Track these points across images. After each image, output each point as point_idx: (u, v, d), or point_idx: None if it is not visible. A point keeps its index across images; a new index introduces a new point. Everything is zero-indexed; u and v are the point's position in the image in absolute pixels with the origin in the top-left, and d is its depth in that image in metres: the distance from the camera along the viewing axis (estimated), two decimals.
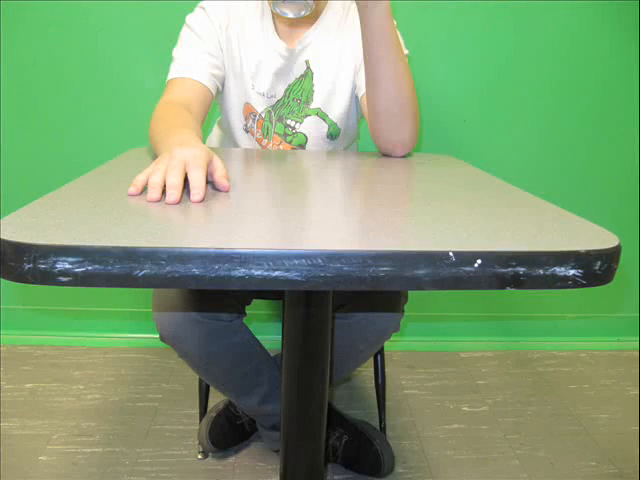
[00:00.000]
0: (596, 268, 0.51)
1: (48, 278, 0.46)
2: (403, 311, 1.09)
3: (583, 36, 1.68)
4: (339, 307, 1.09)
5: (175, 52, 1.10)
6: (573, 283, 0.51)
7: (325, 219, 0.58)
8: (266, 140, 1.19)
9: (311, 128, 1.17)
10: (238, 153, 1.08)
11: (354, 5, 1.16)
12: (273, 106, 1.16)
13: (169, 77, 1.08)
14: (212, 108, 1.18)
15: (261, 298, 1.29)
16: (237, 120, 1.19)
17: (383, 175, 0.87)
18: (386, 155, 1.07)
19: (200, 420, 1.36)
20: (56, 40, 1.60)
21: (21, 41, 1.60)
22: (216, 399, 1.50)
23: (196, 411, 1.44)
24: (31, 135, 1.69)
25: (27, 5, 1.56)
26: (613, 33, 1.68)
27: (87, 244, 0.46)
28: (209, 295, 1.05)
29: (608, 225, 0.58)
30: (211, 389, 1.35)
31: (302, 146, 1.19)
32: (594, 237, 0.54)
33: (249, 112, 1.18)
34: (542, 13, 1.65)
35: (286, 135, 1.18)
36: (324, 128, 1.17)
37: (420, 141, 1.74)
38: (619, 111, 1.76)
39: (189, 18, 1.11)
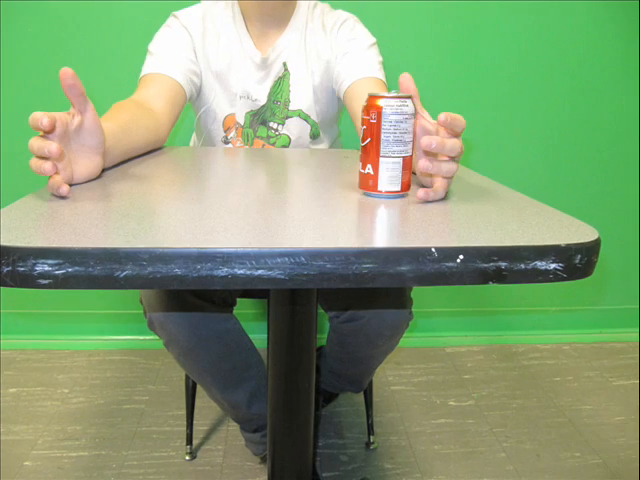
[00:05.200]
0: (576, 261, 0.51)
1: (28, 281, 0.45)
2: (411, 312, 1.09)
3: (571, 33, 1.70)
4: (344, 309, 1.09)
5: (152, 47, 1.09)
6: (554, 277, 0.51)
7: (307, 217, 0.58)
8: (247, 147, 1.18)
9: (294, 129, 1.17)
10: (219, 152, 1.08)
11: (319, 5, 1.18)
12: (257, 110, 1.16)
13: (145, 71, 1.07)
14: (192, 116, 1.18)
15: (246, 297, 1.29)
16: (217, 132, 1.19)
17: None
18: None
19: (187, 421, 1.35)
20: (36, 39, 1.58)
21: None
22: (203, 400, 1.49)
23: (183, 412, 1.43)
24: (13, 136, 1.66)
25: (23, 5, 1.54)
26: (607, 29, 1.70)
27: (67, 246, 0.45)
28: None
29: (587, 219, 0.59)
30: (197, 391, 1.35)
31: (285, 147, 1.19)
32: (574, 231, 0.55)
33: (232, 123, 1.17)
34: (535, 11, 1.67)
35: (269, 137, 1.18)
36: (307, 129, 1.18)
37: None
38: (600, 107, 1.78)
39: (170, 20, 1.11)
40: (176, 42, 1.09)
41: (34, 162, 0.62)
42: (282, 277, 0.47)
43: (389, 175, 0.66)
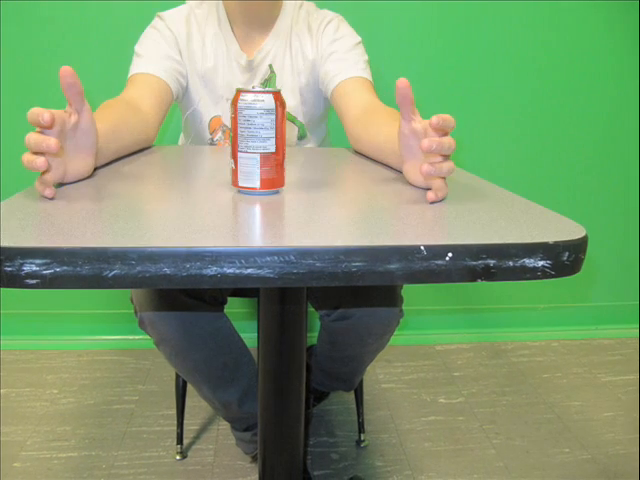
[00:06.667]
0: (564, 259, 0.52)
1: (15, 281, 0.45)
2: (401, 310, 1.10)
3: (563, 29, 1.71)
4: (335, 307, 1.09)
5: (138, 48, 1.09)
6: (542, 274, 0.52)
7: (297, 215, 0.58)
8: None
9: None
10: (207, 151, 1.08)
11: (304, 5, 1.17)
12: None
13: (132, 72, 1.07)
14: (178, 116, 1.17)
15: (236, 296, 1.29)
16: (203, 134, 1.19)
17: (355, 171, 0.88)
18: (360, 152, 1.07)
19: (178, 421, 1.35)
20: (26, 38, 1.57)
21: None
22: (194, 400, 1.49)
23: (173, 412, 1.43)
24: (7, 135, 1.65)
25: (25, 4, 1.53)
26: (601, 27, 1.72)
27: (55, 245, 0.45)
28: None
29: (575, 216, 0.59)
30: (188, 390, 1.34)
31: None
32: (562, 228, 0.55)
33: (218, 125, 1.17)
34: (529, 8, 1.67)
35: None
36: (294, 131, 1.17)
37: None
38: (589, 105, 1.79)
39: (155, 21, 1.11)
40: (162, 43, 1.09)
41: (27, 157, 0.61)
42: (271, 276, 0.47)
43: (245, 171, 0.66)
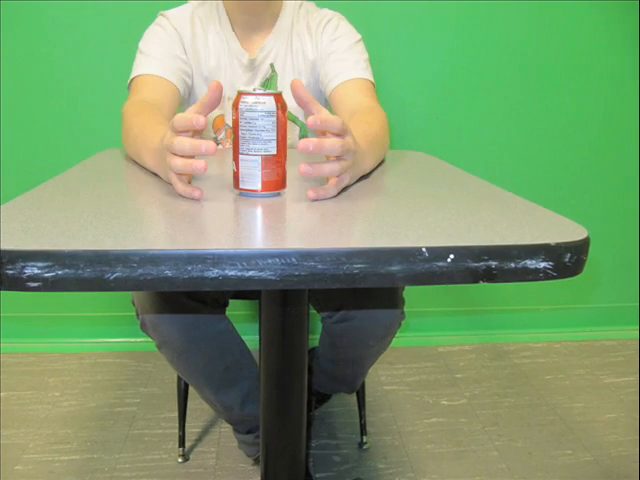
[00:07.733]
0: (566, 260, 0.52)
1: (17, 284, 0.45)
2: (403, 312, 1.09)
3: (563, 29, 1.71)
4: (337, 310, 1.09)
5: (144, 46, 1.08)
6: (544, 275, 0.52)
7: (298, 218, 0.58)
8: None
9: None
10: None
11: (304, 4, 1.17)
12: None
13: (141, 71, 1.05)
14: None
15: (238, 298, 1.29)
16: (207, 133, 1.18)
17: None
18: None
19: (179, 423, 1.35)
20: (18, 39, 1.57)
21: None
22: (196, 402, 1.49)
23: (175, 414, 1.43)
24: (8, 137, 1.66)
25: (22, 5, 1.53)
26: (602, 28, 1.72)
27: (56, 248, 0.45)
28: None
29: (576, 218, 0.59)
30: (190, 393, 1.34)
31: None
32: (563, 230, 0.55)
33: (222, 124, 1.17)
34: (533, 9, 1.67)
35: None
36: (295, 131, 1.17)
37: (392, 138, 1.75)
38: (590, 107, 1.79)
39: (159, 19, 1.10)
40: (167, 41, 1.08)
41: (182, 161, 0.62)
42: (273, 278, 0.47)
43: (247, 173, 0.66)
